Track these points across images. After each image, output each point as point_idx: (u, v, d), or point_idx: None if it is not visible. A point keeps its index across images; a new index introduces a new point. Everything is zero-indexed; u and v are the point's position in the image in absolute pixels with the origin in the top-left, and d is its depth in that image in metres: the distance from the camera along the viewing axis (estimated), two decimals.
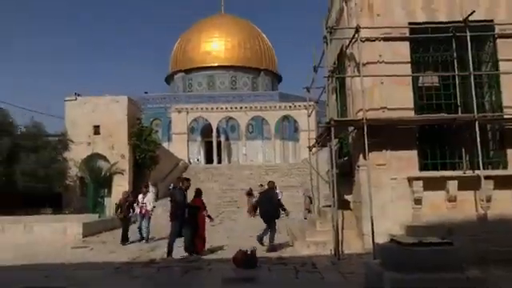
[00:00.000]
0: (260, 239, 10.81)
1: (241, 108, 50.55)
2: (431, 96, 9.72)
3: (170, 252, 9.89)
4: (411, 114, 9.49)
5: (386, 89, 9.58)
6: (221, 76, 63.09)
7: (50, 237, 13.99)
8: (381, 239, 8.93)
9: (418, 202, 9.32)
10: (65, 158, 27.33)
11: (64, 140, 27.58)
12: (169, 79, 68.91)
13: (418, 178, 9.26)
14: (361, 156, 9.62)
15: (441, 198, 9.32)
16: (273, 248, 10.45)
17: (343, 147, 11.88)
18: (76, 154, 27.58)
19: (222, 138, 53.26)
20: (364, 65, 9.46)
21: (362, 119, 8.97)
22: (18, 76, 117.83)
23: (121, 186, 28.23)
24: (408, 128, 9.55)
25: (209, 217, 11.02)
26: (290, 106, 49.90)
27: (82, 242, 13.39)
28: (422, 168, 9.53)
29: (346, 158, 11.32)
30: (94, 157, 28.56)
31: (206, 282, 7.67)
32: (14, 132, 26.72)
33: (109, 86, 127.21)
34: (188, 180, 10.95)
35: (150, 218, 13.67)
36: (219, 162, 49.68)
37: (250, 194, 25.14)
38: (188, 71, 63.93)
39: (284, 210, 11.14)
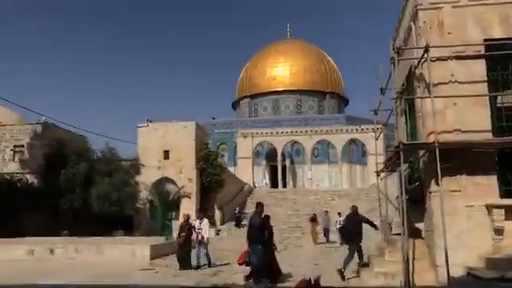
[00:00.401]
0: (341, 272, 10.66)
1: (306, 132, 50.26)
2: None
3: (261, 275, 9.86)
4: (489, 136, 8.78)
5: (460, 110, 8.98)
6: (286, 100, 63.41)
7: (119, 258, 14.44)
8: (456, 271, 8.27)
9: (498, 232, 8.52)
10: (136, 181, 28.55)
11: (136, 164, 28.87)
12: (235, 105, 70.40)
13: (499, 206, 8.48)
14: (433, 181, 9.02)
15: None
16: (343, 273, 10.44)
17: (414, 172, 11.26)
18: (146, 177, 28.72)
19: (287, 162, 53.09)
20: (435, 85, 8.95)
21: (434, 142, 8.43)
22: (94, 103, 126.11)
23: (187, 209, 28.87)
24: (485, 151, 8.84)
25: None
26: (357, 129, 48.84)
27: (149, 265, 13.67)
28: (503, 195, 8.73)
29: (416, 184, 10.70)
30: (163, 180, 29.59)
31: None
32: (91, 157, 28.42)
33: (178, 112, 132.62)
34: (262, 205, 10.82)
35: (207, 244, 13.25)
36: (284, 186, 49.44)
37: (313, 219, 24.49)
38: (253, 96, 64.98)
39: (374, 225, 11.87)
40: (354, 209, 11.90)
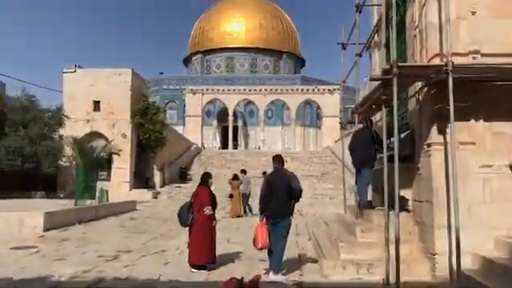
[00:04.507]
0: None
1: (260, 91, 47.06)
2: None
3: None
4: None
5: (481, 23, 6.00)
6: (241, 58, 59.83)
7: (2, 228, 10.82)
8: (464, 262, 5.49)
9: None
10: (61, 135, 24.43)
11: (58, 115, 24.60)
12: (187, 61, 65.87)
13: None
14: (433, 129, 6.10)
15: None
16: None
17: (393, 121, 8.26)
18: (73, 131, 24.46)
19: (240, 123, 49.98)
20: None
21: (446, 65, 5.39)
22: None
23: (121, 168, 25.27)
24: None
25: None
26: (314, 90, 46.26)
27: (38, 238, 10.15)
28: None
29: (403, 135, 7.73)
30: (93, 135, 25.47)
31: None
32: (4, 105, 23.89)
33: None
34: (281, 158, 7.13)
35: None
36: (235, 147, 46.39)
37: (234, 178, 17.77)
38: (207, 53, 60.81)
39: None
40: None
